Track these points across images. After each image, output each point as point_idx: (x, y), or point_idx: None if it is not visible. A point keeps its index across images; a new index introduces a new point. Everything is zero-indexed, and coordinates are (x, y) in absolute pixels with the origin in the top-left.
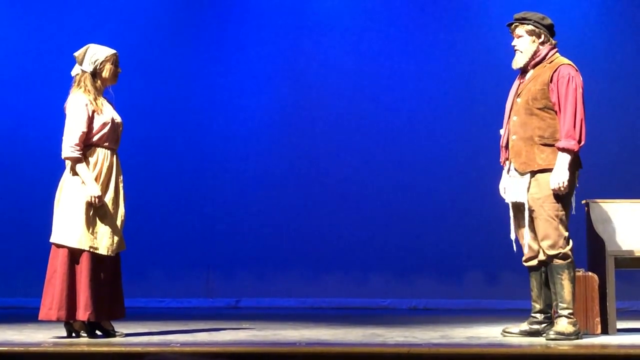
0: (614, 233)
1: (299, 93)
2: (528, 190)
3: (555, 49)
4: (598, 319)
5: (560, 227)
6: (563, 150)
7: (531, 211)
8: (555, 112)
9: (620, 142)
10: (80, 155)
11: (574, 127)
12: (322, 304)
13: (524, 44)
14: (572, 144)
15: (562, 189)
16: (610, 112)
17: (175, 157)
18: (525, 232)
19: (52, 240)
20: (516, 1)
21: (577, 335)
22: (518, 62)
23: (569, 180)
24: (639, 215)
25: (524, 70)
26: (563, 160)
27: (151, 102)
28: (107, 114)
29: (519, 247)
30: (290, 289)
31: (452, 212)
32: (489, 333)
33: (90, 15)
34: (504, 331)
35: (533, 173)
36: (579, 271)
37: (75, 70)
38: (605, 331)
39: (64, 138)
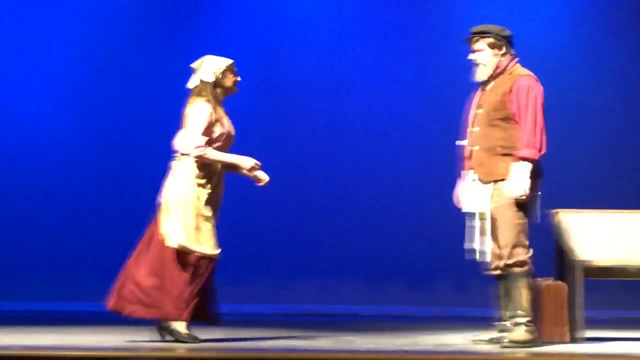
0: (583, 242)
1: (267, 100)
2: (491, 199)
3: (516, 60)
4: (567, 328)
5: (520, 235)
6: (524, 159)
7: (493, 220)
8: (516, 122)
9: (588, 152)
10: (207, 149)
11: (534, 135)
12: (294, 310)
13: (486, 57)
14: (533, 153)
15: (523, 197)
16: (579, 122)
17: (142, 159)
18: (488, 240)
19: (170, 244)
20: (486, 11)
21: (534, 343)
22: (480, 76)
23: (530, 189)
24: (607, 225)
25: (484, 82)
26: (524, 169)
27: (126, 101)
28: (226, 125)
29: (481, 255)
30: (261, 294)
31: (422, 220)
32: (458, 340)
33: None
34: (474, 339)
35: (495, 182)
36: (548, 280)
37: (194, 82)
38: (573, 340)
39: (185, 141)
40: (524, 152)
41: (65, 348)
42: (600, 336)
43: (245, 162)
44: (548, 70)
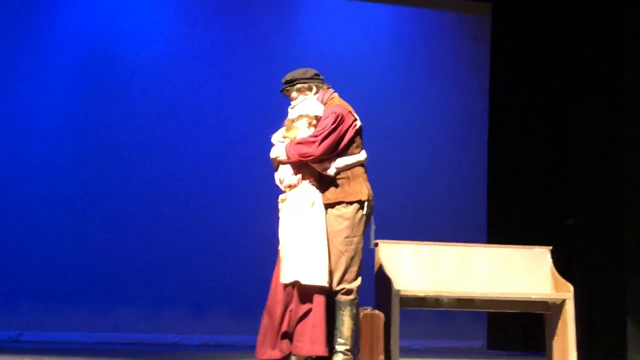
0: (401, 273)
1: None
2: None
3: (331, 91)
4: (382, 357)
5: (348, 262)
6: (293, 146)
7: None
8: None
9: (406, 185)
10: None
11: (314, 142)
12: (111, 339)
13: (301, 102)
14: (298, 148)
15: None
16: (399, 156)
17: None
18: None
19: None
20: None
21: None
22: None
23: (359, 218)
24: (423, 256)
25: None
26: (285, 150)
27: None
28: None
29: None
30: (77, 322)
31: (244, 249)
32: None
33: None
34: None
35: (325, 207)
36: (366, 309)
37: None
38: None
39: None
40: (298, 147)
41: None
42: None
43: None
44: (372, 108)
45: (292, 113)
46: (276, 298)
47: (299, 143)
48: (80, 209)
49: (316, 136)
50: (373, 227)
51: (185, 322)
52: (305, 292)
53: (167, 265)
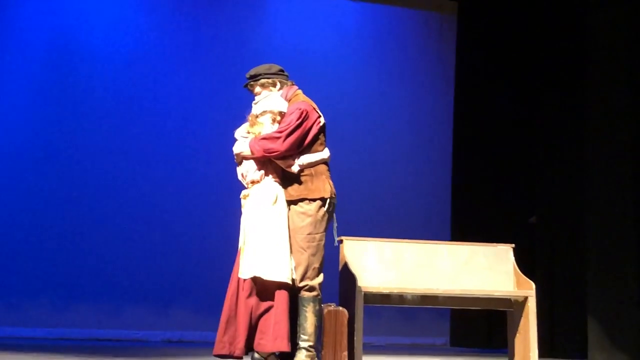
0: (365, 270)
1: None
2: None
3: (295, 88)
4: (345, 353)
5: (310, 259)
6: (258, 142)
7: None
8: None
9: (372, 184)
10: None
11: (279, 138)
12: (72, 335)
13: (265, 97)
14: (263, 144)
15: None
16: (365, 154)
17: None
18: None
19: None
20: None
21: None
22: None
23: (321, 215)
24: (388, 253)
25: None
26: (249, 146)
27: None
28: None
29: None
30: (38, 318)
31: (206, 246)
32: None
33: None
34: None
35: (288, 204)
36: (330, 306)
37: None
38: None
39: None
40: (262, 142)
41: None
42: None
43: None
44: (337, 105)
45: (255, 108)
46: (237, 294)
47: (264, 139)
48: (40, 206)
49: (281, 132)
50: (335, 225)
51: (148, 319)
52: (267, 289)
53: (129, 261)
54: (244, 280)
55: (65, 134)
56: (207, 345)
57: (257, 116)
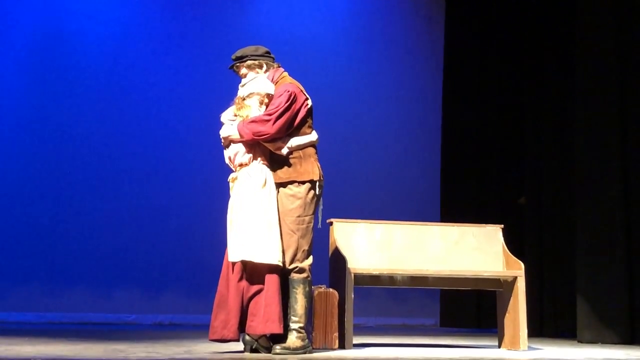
0: (355, 251)
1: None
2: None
3: (281, 70)
4: (336, 334)
5: (300, 241)
6: (246, 125)
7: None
8: None
9: (362, 166)
10: None
11: (269, 120)
12: (63, 319)
13: (251, 79)
14: (252, 127)
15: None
16: (355, 137)
17: None
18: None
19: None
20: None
21: (304, 350)
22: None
23: (310, 197)
24: (377, 235)
25: None
26: (238, 129)
27: None
28: None
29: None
30: (28, 302)
31: (198, 232)
32: (235, 348)
33: None
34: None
35: (277, 186)
36: (320, 287)
37: None
38: (342, 346)
39: None
40: (251, 126)
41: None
42: (367, 342)
43: None
44: (326, 87)
45: (242, 91)
46: (228, 277)
47: (253, 122)
48: (30, 190)
49: (270, 114)
50: (321, 207)
51: (139, 302)
52: (257, 271)
53: (120, 245)
54: (234, 263)
55: (53, 122)
56: (198, 328)
57: (243, 99)
